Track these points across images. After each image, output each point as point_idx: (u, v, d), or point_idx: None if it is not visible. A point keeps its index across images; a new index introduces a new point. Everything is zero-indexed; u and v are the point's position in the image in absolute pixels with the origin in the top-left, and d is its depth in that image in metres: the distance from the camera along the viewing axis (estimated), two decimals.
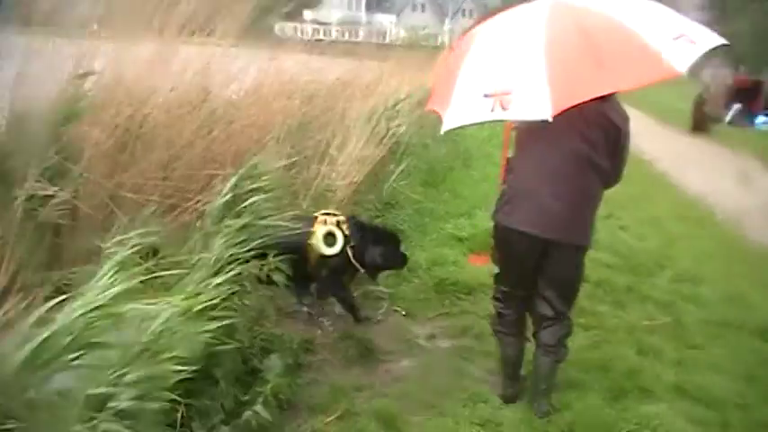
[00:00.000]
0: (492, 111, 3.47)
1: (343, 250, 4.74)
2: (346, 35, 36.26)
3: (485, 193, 6.50)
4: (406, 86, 10.61)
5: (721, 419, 4.10)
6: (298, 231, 4.54)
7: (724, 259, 7.32)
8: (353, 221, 4.94)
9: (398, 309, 5.36)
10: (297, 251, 4.55)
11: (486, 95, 3.51)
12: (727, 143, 15.91)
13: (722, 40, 3.54)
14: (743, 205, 9.62)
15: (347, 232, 4.79)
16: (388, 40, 37.87)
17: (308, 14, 33.86)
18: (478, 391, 4.22)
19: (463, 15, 75.25)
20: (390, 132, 7.35)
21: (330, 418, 3.82)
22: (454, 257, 6.31)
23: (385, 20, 60.62)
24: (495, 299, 4.18)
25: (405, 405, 4.03)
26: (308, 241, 4.69)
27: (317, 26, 34.06)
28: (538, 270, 3.89)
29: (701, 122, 18.53)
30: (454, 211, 7.60)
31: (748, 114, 20.78)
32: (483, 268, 6.01)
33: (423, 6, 72.93)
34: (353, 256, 4.79)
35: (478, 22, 4.15)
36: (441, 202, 7.85)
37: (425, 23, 46.53)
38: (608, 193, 3.92)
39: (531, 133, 3.81)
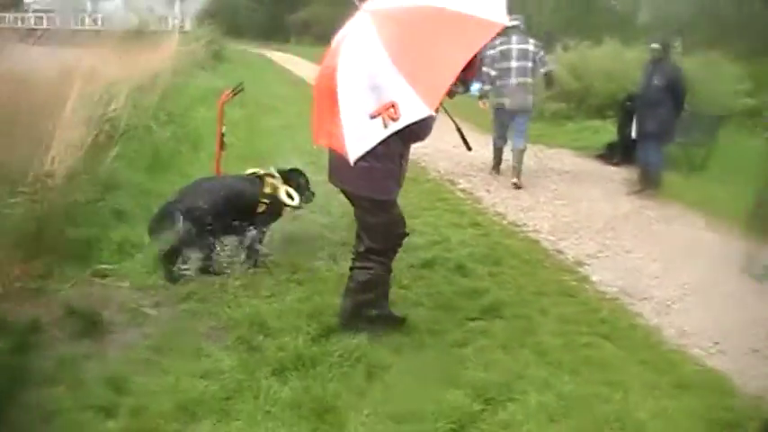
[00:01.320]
0: (386, 127, 3.98)
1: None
2: (72, 23, 34.60)
3: (212, 173, 6.77)
4: (128, 71, 10.58)
5: (417, 343, 4.74)
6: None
7: (434, 210, 8.15)
8: (289, 172, 6.35)
9: (122, 285, 5.54)
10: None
11: (371, 116, 3.99)
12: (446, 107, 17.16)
13: (428, 113, 3.97)
14: (453, 164, 10.69)
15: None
16: (112, 26, 36.59)
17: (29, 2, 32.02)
18: (201, 347, 4.55)
19: None
20: (106, 117, 7.38)
21: (60, 388, 3.98)
22: None
23: (110, 5, 58.12)
24: None
25: (132, 368, 4.27)
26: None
27: (39, 14, 32.16)
28: None
29: None
30: None
31: (464, 82, 22.37)
32: None
33: None
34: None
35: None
36: (167, 183, 7.97)
37: (152, 7, 45.24)
38: (326, 159, 4.80)
39: None
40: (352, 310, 4.77)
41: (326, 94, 4.31)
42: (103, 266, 5.70)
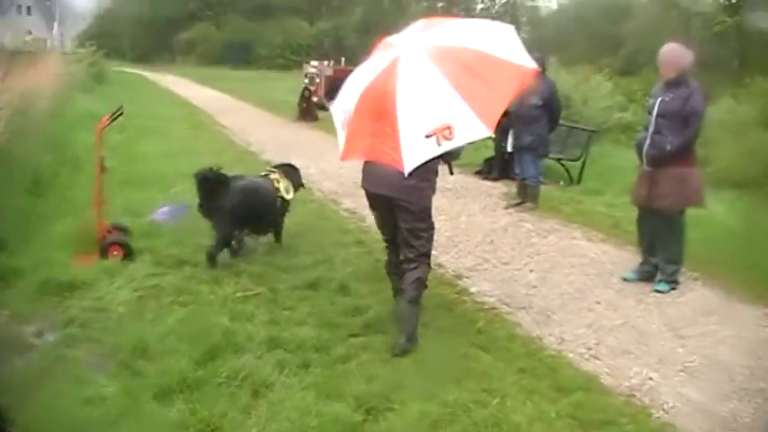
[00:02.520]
0: (439, 145, 4.76)
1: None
2: None
3: (92, 196, 6.72)
4: (6, 93, 10.30)
5: (302, 360, 4.85)
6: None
7: (320, 230, 8.25)
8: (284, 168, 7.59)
9: (5, 312, 5.44)
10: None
11: (427, 136, 4.75)
12: (330, 128, 17.34)
13: (486, 134, 4.86)
14: (337, 184, 10.85)
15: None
16: None
17: None
18: (84, 374, 4.53)
19: (75, 18, 71.84)
20: None
21: None
22: (61, 258, 6.46)
23: None
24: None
25: (15, 398, 4.17)
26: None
27: None
28: None
29: (307, 112, 19.88)
30: (62, 213, 7.65)
31: None
32: (90, 265, 6.29)
33: (29, 9, 68.50)
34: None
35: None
36: (48, 207, 7.86)
37: (32, 27, 43.94)
38: None
39: None
40: (410, 307, 5.21)
41: (376, 116, 5.03)
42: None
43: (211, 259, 6.54)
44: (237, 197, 6.61)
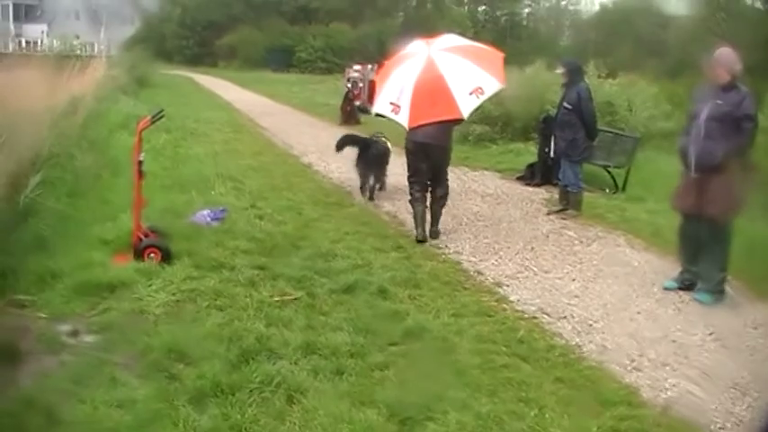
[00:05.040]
0: (392, 112, 8.05)
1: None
2: None
3: (132, 198, 6.74)
4: (52, 96, 10.44)
5: (337, 367, 4.77)
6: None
7: (357, 235, 8.19)
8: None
9: (39, 315, 5.45)
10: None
11: (390, 103, 8.09)
12: (372, 131, 17.32)
13: (501, 86, 8.31)
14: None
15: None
16: (39, 51, 36.03)
17: None
18: (118, 377, 4.50)
19: (122, 23, 72.84)
20: (27, 145, 7.28)
21: None
22: (100, 260, 6.46)
23: (36, 29, 57.28)
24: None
25: (50, 397, 4.19)
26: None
27: None
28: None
29: (350, 116, 19.88)
30: (101, 216, 7.68)
31: None
32: (127, 267, 6.29)
33: (77, 14, 69.63)
34: None
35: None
36: (88, 210, 7.89)
37: (80, 32, 44.59)
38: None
39: None
40: (440, 209, 8.48)
41: (433, 89, 7.91)
42: (21, 297, 5.59)
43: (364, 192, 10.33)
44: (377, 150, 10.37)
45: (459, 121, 8.25)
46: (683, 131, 6.65)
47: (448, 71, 7.94)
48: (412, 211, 8.31)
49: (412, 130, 8.01)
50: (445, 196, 8.44)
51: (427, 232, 8.17)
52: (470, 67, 8.00)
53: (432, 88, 7.90)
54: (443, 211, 8.54)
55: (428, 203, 8.31)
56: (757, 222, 7.54)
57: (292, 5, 58.27)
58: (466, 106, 7.86)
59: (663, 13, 43.94)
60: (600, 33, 48.74)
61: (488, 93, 8.02)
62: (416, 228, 8.16)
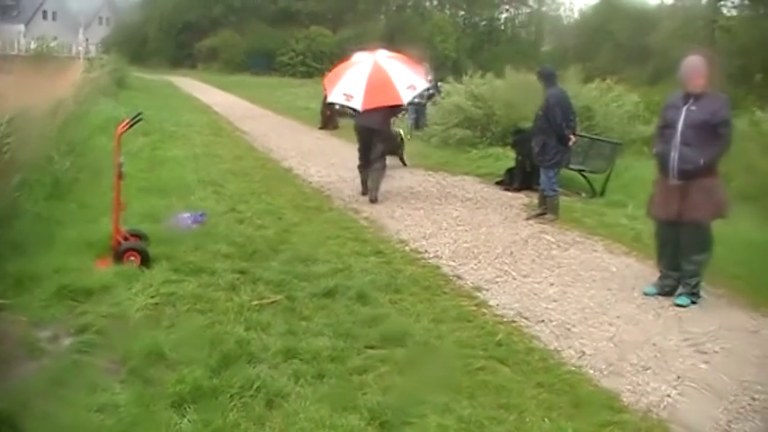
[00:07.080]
0: (346, 100, 10.62)
1: None
2: None
3: (111, 201, 6.72)
4: (30, 98, 10.36)
5: (317, 371, 4.78)
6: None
7: (337, 239, 8.22)
8: None
9: (22, 319, 5.40)
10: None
11: (344, 94, 10.65)
12: (351, 136, 17.36)
13: (427, 85, 12.19)
14: (357, 192, 10.87)
15: None
16: (15, 52, 35.71)
17: None
18: (99, 381, 4.48)
19: (99, 24, 72.51)
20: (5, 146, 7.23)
21: None
22: (79, 263, 6.43)
23: (13, 30, 56.81)
24: None
25: (31, 402, 4.14)
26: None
27: None
28: None
29: (329, 120, 19.87)
30: (80, 219, 7.65)
31: None
32: (107, 271, 6.27)
33: (54, 15, 69.24)
34: None
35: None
36: (66, 213, 7.86)
37: (57, 33, 44.28)
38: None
39: None
40: (376, 187, 10.59)
41: (382, 83, 10.52)
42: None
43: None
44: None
45: (398, 108, 11.65)
46: (658, 138, 6.72)
47: (392, 71, 10.74)
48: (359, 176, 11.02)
49: (361, 115, 10.56)
50: (382, 167, 10.85)
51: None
52: (406, 70, 10.96)
53: (381, 82, 10.57)
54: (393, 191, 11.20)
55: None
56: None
57: (272, 9, 58.18)
58: (406, 96, 10.67)
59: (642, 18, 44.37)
60: (580, 39, 49.10)
61: (419, 89, 11.04)
62: (362, 186, 10.94)
